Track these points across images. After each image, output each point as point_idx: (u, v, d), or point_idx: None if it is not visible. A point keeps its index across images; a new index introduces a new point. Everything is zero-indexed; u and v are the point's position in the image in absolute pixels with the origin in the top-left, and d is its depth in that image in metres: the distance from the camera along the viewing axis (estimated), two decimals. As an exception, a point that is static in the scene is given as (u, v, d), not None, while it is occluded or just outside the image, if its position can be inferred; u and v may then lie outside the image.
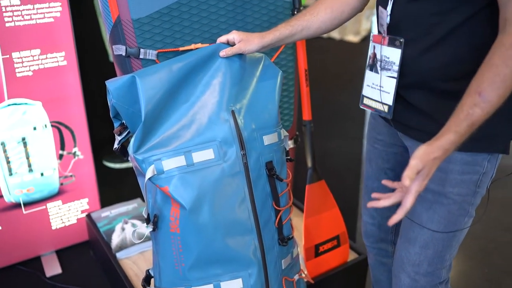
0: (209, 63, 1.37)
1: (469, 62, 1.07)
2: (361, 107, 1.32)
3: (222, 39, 1.39)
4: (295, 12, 1.65)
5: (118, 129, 1.34)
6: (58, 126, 2.05)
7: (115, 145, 1.35)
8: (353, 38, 4.85)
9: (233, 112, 1.34)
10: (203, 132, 1.31)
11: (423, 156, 0.98)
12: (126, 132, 1.34)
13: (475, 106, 0.97)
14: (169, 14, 1.50)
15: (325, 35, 4.93)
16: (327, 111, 3.82)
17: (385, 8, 1.17)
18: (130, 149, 1.27)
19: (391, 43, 1.16)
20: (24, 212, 2.09)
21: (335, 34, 4.76)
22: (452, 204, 1.20)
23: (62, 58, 1.97)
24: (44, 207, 2.12)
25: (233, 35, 1.37)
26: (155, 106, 1.27)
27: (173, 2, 1.49)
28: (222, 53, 1.36)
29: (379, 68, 1.22)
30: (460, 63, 1.08)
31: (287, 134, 1.54)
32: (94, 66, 2.80)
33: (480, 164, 1.17)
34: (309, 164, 1.74)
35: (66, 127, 2.07)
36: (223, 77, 1.36)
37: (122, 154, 1.37)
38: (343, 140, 3.42)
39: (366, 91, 1.28)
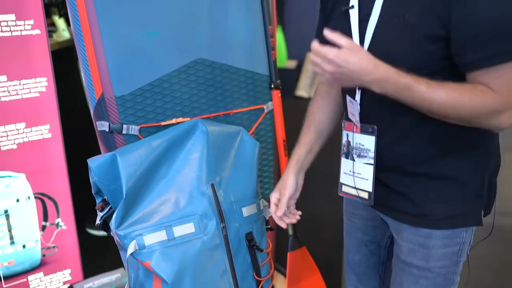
0: (187, 138, 1.43)
1: (439, 147, 1.13)
2: (340, 194, 1.33)
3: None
4: (272, 86, 1.72)
5: (100, 205, 1.37)
6: (41, 198, 2.06)
7: (97, 221, 1.38)
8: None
9: (212, 186, 1.38)
10: (183, 207, 1.34)
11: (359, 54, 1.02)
12: (108, 208, 1.37)
13: (428, 86, 1.02)
14: (151, 91, 1.56)
15: (306, 95, 5.05)
16: (307, 172, 3.87)
17: (354, 98, 1.21)
18: (112, 224, 1.30)
19: (364, 131, 1.20)
20: (4, 286, 2.06)
21: (302, 93, 4.89)
22: (437, 277, 1.23)
23: (47, 130, 2.01)
24: (25, 279, 2.10)
25: (275, 196, 1.37)
26: (136, 182, 1.31)
27: (155, 79, 1.56)
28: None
29: (355, 156, 1.24)
30: (431, 147, 1.13)
31: (267, 203, 1.57)
32: (77, 134, 2.84)
33: (459, 235, 1.21)
34: (290, 232, 1.76)
35: (50, 198, 2.08)
36: (201, 151, 1.41)
37: (104, 229, 1.39)
38: (324, 202, 3.45)
39: (344, 178, 1.30)
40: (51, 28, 2.84)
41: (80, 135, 2.72)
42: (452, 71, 1.07)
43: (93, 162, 1.32)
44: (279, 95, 1.72)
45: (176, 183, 1.36)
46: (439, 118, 1.06)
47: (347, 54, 1.00)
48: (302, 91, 5.19)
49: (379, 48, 1.09)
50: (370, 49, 1.10)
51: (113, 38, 1.49)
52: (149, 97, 1.56)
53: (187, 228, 1.33)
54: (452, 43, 1.02)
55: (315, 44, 1.03)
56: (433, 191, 1.16)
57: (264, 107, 1.77)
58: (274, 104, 1.74)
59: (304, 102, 5.50)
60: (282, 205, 1.32)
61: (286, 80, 4.93)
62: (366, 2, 1.13)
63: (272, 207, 1.34)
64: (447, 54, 1.05)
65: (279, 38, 4.84)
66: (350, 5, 1.15)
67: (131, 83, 1.53)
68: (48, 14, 2.96)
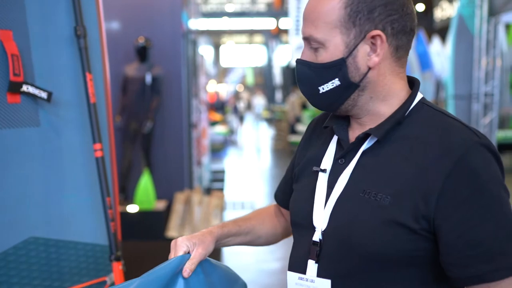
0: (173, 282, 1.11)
1: None
2: None
3: (179, 253, 1.08)
4: (112, 258, 1.66)
5: None
6: None
7: None
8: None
9: None
10: None
11: None
12: None
13: None
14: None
15: (176, 236, 4.99)
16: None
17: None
18: None
19: None
20: None
21: (173, 233, 4.86)
22: None
23: None
24: None
25: (185, 244, 1.09)
26: None
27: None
28: (186, 272, 1.06)
29: None
30: None
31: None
32: None
33: None
34: None
35: None
36: None
37: None
38: None
39: None
40: None
41: None
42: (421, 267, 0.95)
43: None
44: (120, 267, 1.66)
45: None
46: None
47: None
48: (172, 231, 5.13)
49: (339, 223, 0.99)
50: (331, 216, 1.00)
51: None
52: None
53: None
54: (443, 252, 0.91)
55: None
56: None
57: (107, 279, 1.69)
58: (116, 277, 1.67)
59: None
60: (194, 264, 1.07)
61: (155, 222, 4.89)
62: (337, 168, 1.03)
63: (179, 252, 1.08)
64: (418, 249, 0.93)
65: (146, 180, 4.85)
66: (322, 168, 1.04)
67: None
68: None
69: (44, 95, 1.56)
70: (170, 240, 5.12)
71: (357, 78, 0.97)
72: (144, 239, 4.60)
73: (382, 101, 1.00)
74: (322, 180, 1.04)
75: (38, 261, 1.54)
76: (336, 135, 1.06)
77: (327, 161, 1.05)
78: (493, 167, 0.91)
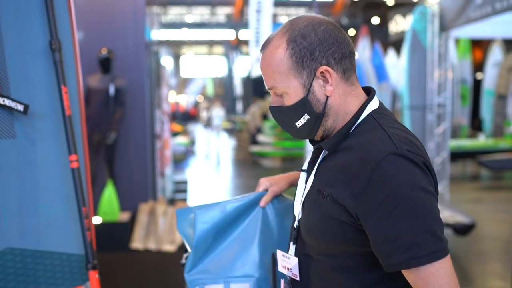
0: (252, 208, 1.49)
1: None
2: None
3: (260, 190, 1.48)
4: (88, 267, 1.70)
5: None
6: None
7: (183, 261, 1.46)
8: (169, 247, 4.99)
9: (273, 256, 1.35)
10: (244, 268, 1.44)
11: None
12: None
13: None
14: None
15: (141, 247, 4.98)
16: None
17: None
18: (185, 269, 1.42)
19: None
20: None
21: (138, 245, 4.85)
22: None
23: None
24: None
25: (264, 183, 1.48)
26: (206, 237, 1.41)
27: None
28: (262, 203, 1.46)
29: None
30: None
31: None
32: None
33: None
34: None
35: None
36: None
37: None
38: None
39: None
40: None
41: None
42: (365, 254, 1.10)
43: (179, 214, 1.47)
44: (97, 275, 1.70)
45: (242, 245, 1.46)
46: None
47: None
48: (137, 242, 5.11)
49: (304, 214, 1.19)
50: (301, 208, 1.21)
51: None
52: None
53: (242, 287, 1.42)
54: (371, 244, 1.07)
55: None
56: None
57: (83, 287, 1.72)
58: (92, 285, 1.70)
59: (140, 255, 5.39)
60: (268, 198, 1.46)
61: (120, 234, 4.86)
62: (310, 170, 1.22)
63: (260, 189, 1.48)
64: (357, 239, 1.09)
65: (110, 192, 4.82)
66: (304, 168, 1.26)
67: None
68: None
69: (20, 107, 1.59)
70: (134, 251, 5.09)
71: (321, 108, 1.16)
72: (108, 251, 4.57)
73: (341, 120, 1.18)
74: (303, 178, 1.26)
75: (15, 272, 1.56)
76: (311, 144, 1.27)
77: (307, 163, 1.27)
78: (407, 172, 1.04)
